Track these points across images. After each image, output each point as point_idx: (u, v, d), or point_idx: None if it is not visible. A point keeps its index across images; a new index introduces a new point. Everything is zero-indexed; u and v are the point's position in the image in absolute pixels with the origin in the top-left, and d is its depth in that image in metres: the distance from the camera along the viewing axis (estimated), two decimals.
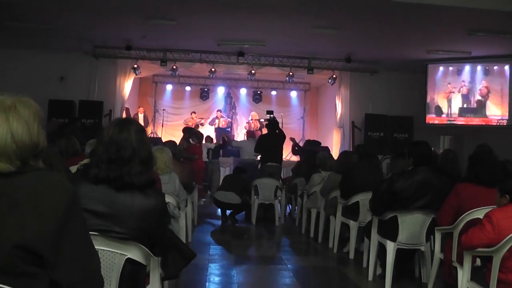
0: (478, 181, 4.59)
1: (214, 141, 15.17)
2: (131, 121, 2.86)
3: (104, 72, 14.46)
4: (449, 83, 13.74)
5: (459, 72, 13.66)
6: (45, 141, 1.80)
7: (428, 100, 13.94)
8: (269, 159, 10.47)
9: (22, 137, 1.71)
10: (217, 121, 17.65)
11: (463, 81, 13.60)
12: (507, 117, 13.00)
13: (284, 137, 11.20)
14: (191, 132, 12.81)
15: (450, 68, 13.73)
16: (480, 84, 13.40)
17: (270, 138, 10.82)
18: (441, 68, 13.80)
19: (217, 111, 18.23)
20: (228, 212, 9.78)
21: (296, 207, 10.07)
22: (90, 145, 6.12)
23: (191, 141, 12.43)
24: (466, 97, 13.58)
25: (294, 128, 19.33)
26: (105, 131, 2.77)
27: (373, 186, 5.87)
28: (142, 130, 2.83)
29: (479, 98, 13.43)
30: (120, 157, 2.65)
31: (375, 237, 5.63)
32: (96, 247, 1.95)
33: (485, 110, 13.33)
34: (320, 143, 13.31)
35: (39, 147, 1.77)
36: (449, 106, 13.76)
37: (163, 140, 13.14)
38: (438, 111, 13.86)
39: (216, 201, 9.65)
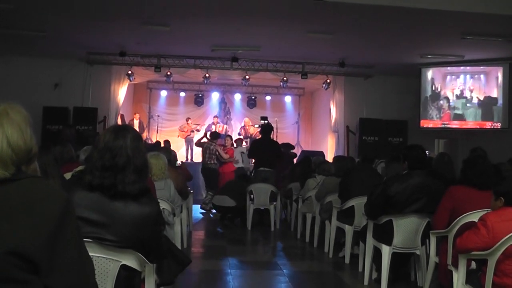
0: (470, 184, 4.61)
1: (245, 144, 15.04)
2: (127, 128, 2.83)
3: (99, 79, 14.46)
4: (443, 87, 13.78)
5: (452, 76, 13.70)
6: (37, 146, 1.80)
7: (422, 104, 13.99)
8: (262, 164, 10.43)
9: (18, 142, 1.71)
10: (213, 127, 17.61)
11: (457, 84, 13.63)
12: (500, 121, 13.05)
13: (277, 143, 11.20)
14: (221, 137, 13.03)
15: (443, 72, 13.77)
16: (473, 87, 13.45)
17: (263, 143, 10.77)
18: (434, 72, 13.84)
19: (214, 117, 18.21)
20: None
21: (291, 212, 10.07)
22: (84, 152, 6.11)
23: (226, 144, 13.00)
24: (459, 100, 13.62)
25: (288, 133, 19.37)
26: (101, 137, 2.75)
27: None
28: (138, 137, 2.80)
29: (473, 100, 13.48)
30: (114, 164, 2.63)
31: (370, 241, 5.63)
32: (90, 254, 1.94)
33: (479, 113, 13.37)
34: (293, 147, 13.40)
35: (32, 152, 1.78)
36: (443, 109, 13.80)
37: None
38: (432, 114, 13.90)
39: (214, 206, 9.88)
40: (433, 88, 13.89)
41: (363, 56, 13.25)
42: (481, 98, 13.37)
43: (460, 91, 13.59)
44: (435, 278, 5.01)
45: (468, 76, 13.52)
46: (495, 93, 13.20)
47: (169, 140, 13.95)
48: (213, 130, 17.34)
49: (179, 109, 19.44)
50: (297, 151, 17.84)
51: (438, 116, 13.87)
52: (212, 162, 12.32)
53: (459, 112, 13.62)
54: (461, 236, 3.96)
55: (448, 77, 13.75)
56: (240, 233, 9.53)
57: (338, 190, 7.10)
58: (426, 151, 5.83)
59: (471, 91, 13.46)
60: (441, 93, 13.81)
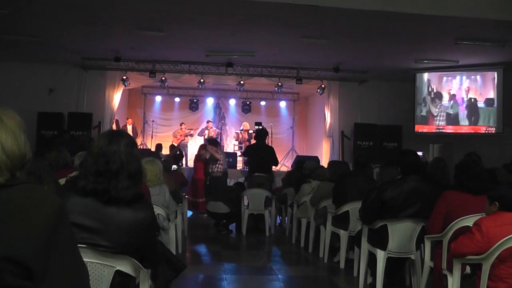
0: (465, 188, 4.61)
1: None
2: (121, 134, 2.83)
3: (93, 84, 14.45)
4: (439, 90, 13.82)
5: (446, 81, 13.74)
6: (30, 151, 1.80)
7: (416, 108, 14.02)
8: (256, 169, 10.41)
9: (12, 148, 1.71)
10: (206, 131, 17.58)
11: (451, 89, 13.67)
12: (495, 125, 13.09)
13: (272, 148, 11.17)
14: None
15: (438, 77, 13.81)
16: (468, 92, 13.48)
17: (258, 148, 10.75)
18: (428, 77, 13.88)
19: (207, 121, 18.18)
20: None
21: (286, 217, 10.06)
22: (79, 157, 6.11)
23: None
24: (454, 105, 13.65)
25: (283, 138, 19.40)
26: (95, 142, 2.75)
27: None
28: (132, 143, 2.79)
29: (468, 105, 13.51)
30: (108, 169, 2.63)
31: (365, 246, 5.63)
32: (85, 259, 1.94)
33: (474, 117, 13.41)
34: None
35: (26, 157, 1.78)
36: (437, 114, 13.83)
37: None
38: (426, 119, 13.93)
39: (208, 212, 9.83)
40: (429, 89, 13.91)
41: (357, 61, 13.28)
42: (476, 103, 13.40)
43: (455, 96, 13.61)
44: (430, 283, 5.01)
45: (463, 81, 13.56)
46: (489, 97, 13.24)
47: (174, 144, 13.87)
48: (206, 134, 17.34)
49: (174, 114, 19.41)
50: (291, 156, 17.91)
51: (433, 120, 13.89)
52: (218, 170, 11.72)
53: (454, 116, 13.64)
54: (456, 240, 3.97)
55: (444, 78, 13.75)
56: (235, 239, 9.52)
57: (332, 195, 7.11)
58: (419, 152, 5.83)
59: (466, 96, 13.49)
60: (436, 97, 13.84)
